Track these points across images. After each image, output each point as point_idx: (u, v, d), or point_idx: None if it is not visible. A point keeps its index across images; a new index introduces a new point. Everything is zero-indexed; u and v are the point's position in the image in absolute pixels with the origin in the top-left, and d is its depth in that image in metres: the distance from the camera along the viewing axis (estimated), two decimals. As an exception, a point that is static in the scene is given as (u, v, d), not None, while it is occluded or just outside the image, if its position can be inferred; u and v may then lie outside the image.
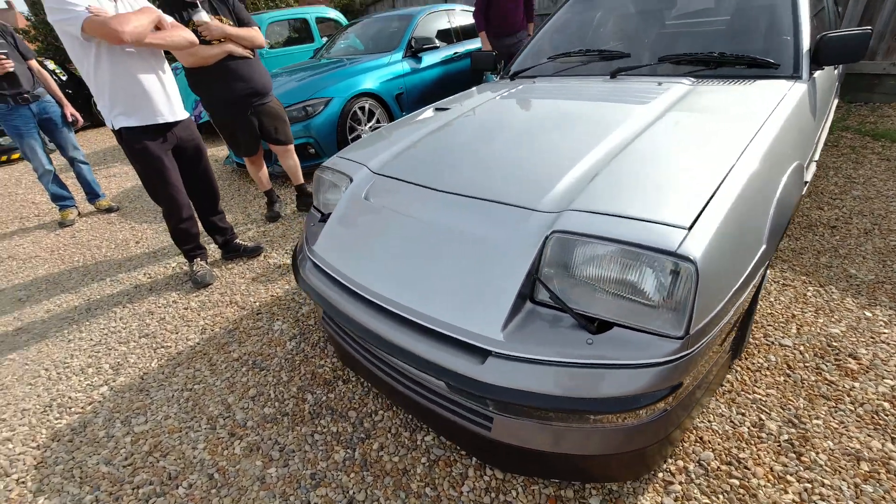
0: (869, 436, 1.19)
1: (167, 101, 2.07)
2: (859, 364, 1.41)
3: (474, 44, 4.68)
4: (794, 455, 1.17)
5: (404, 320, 1.11)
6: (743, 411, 1.31)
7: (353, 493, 1.21)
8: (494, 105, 1.83)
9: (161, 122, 2.05)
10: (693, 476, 1.15)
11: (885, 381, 1.34)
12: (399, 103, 4.08)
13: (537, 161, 1.28)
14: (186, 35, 2.04)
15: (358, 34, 4.88)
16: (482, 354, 0.97)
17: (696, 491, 1.11)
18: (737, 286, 0.96)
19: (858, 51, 1.53)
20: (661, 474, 1.16)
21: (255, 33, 2.55)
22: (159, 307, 2.20)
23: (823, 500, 1.06)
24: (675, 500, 1.10)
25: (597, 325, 0.92)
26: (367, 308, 1.19)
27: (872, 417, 1.24)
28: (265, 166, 3.06)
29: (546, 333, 0.95)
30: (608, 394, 0.88)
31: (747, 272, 1.00)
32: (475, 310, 1.01)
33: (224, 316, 2.07)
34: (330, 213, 1.51)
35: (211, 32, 2.40)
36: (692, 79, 1.64)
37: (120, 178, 4.54)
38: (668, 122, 1.32)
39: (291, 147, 2.95)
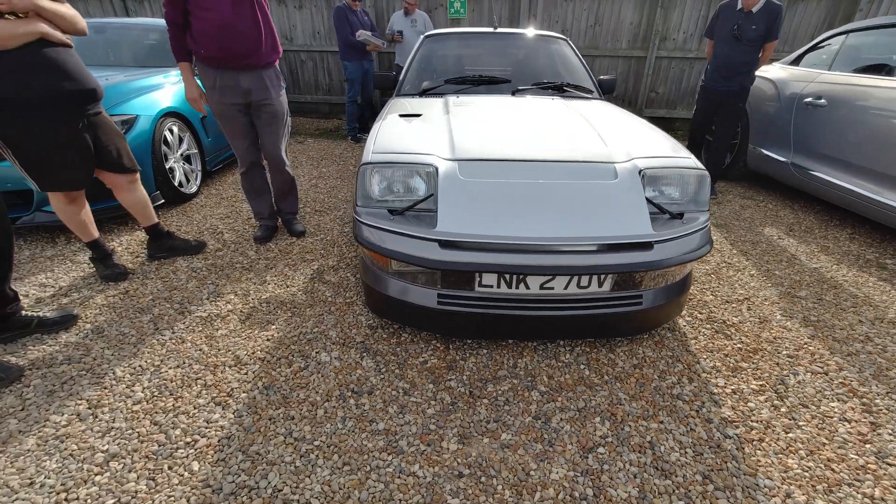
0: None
1: None
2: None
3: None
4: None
5: (554, 249, 1.47)
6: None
7: (582, 403, 1.45)
8: (467, 104, 2.31)
9: None
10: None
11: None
12: (204, 127, 3.48)
13: (564, 132, 1.89)
14: None
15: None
16: (647, 247, 1.50)
17: (693, 314, 2.01)
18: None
19: (612, 88, 2.91)
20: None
21: (75, 11, 1.85)
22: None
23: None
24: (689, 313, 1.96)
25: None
26: (537, 253, 1.46)
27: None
28: (87, 205, 2.12)
29: (664, 225, 1.58)
30: (700, 244, 1.61)
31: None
32: (631, 225, 1.52)
33: (212, 386, 1.52)
34: (400, 208, 1.59)
35: (12, 2, 1.62)
36: (558, 97, 2.62)
37: None
38: (593, 109, 2.23)
39: (138, 176, 2.19)
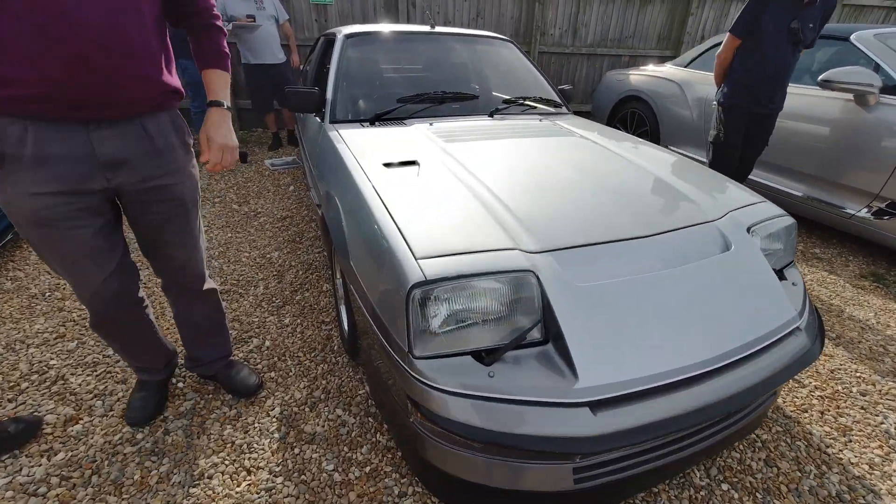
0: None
1: None
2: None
3: None
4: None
5: (720, 369, 1.06)
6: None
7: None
8: (460, 139, 1.76)
9: None
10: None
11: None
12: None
13: (624, 179, 1.50)
14: None
15: None
16: (798, 331, 1.20)
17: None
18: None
19: (570, 98, 2.61)
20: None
21: None
22: None
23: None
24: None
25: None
26: (704, 381, 1.03)
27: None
28: None
29: (790, 292, 1.30)
30: (810, 306, 1.39)
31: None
32: (776, 309, 1.19)
33: None
34: (492, 347, 1.00)
35: None
36: (539, 116, 2.20)
37: None
38: (600, 133, 1.96)
39: None
